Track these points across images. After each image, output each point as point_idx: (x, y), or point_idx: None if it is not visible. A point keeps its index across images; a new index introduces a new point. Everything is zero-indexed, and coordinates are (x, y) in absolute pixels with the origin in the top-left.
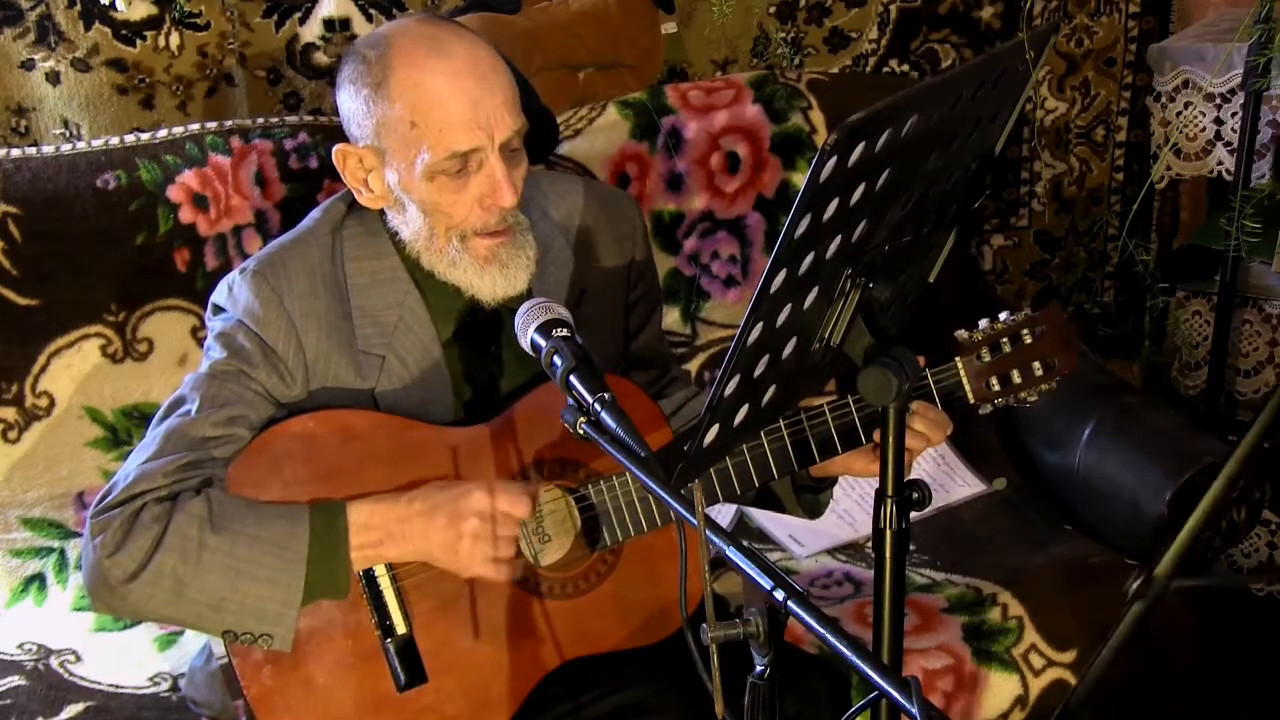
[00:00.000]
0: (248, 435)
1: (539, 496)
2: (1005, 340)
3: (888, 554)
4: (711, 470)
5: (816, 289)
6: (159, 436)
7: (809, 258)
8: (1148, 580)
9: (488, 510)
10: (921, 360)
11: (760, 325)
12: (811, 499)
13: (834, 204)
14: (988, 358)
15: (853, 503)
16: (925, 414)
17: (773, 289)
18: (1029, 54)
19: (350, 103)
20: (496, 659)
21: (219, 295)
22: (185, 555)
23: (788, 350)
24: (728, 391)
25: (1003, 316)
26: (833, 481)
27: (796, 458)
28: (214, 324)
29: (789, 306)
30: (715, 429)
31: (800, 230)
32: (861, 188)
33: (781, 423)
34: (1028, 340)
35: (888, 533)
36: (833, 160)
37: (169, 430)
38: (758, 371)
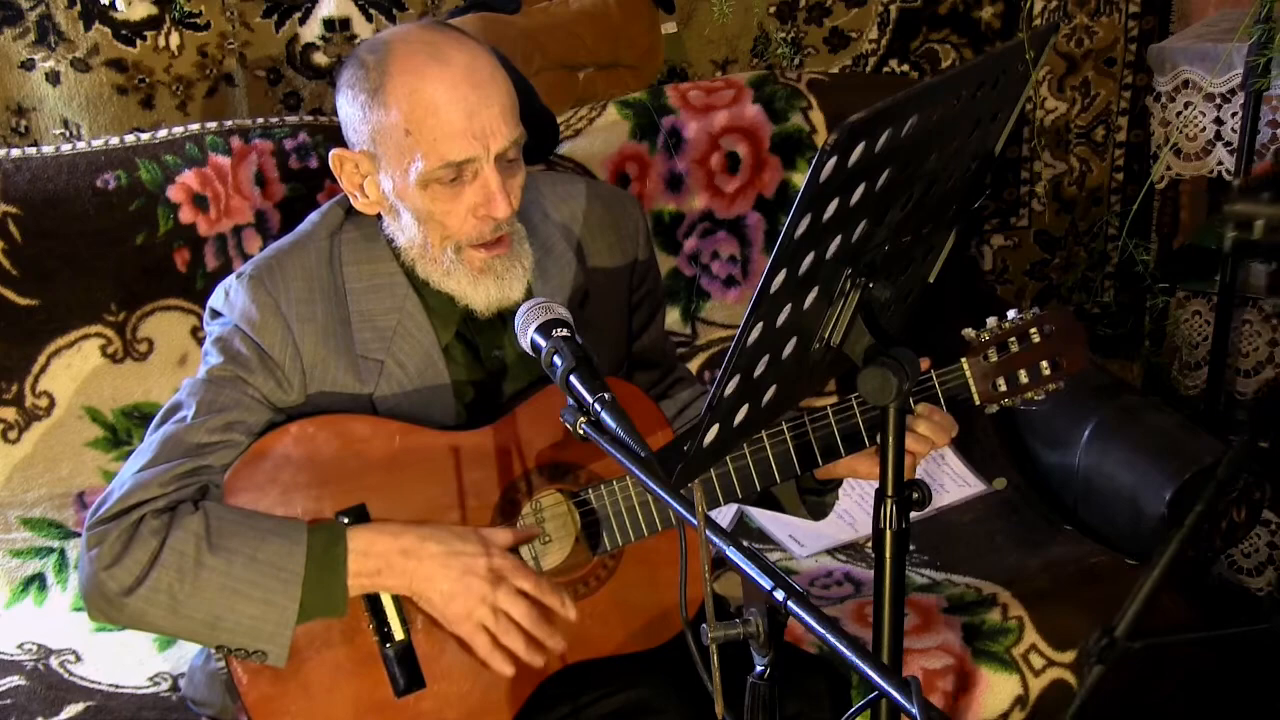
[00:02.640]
0: (245, 441)
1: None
2: (1013, 340)
3: (888, 554)
4: (714, 473)
5: (816, 289)
6: (155, 443)
7: (809, 258)
8: (1110, 643)
9: (510, 581)
10: (926, 363)
11: (760, 325)
12: (815, 501)
13: (834, 204)
14: (995, 358)
15: (852, 503)
16: (930, 417)
17: (773, 289)
18: (1029, 54)
19: (348, 107)
20: None
21: (216, 300)
22: (182, 573)
23: (788, 350)
24: (728, 391)
25: (1011, 315)
26: (837, 484)
27: (799, 461)
28: (211, 329)
29: (789, 306)
30: (715, 429)
31: (800, 230)
32: (861, 188)
33: (784, 425)
34: (1036, 339)
35: (888, 533)
36: (833, 160)
37: (165, 437)
38: (758, 371)
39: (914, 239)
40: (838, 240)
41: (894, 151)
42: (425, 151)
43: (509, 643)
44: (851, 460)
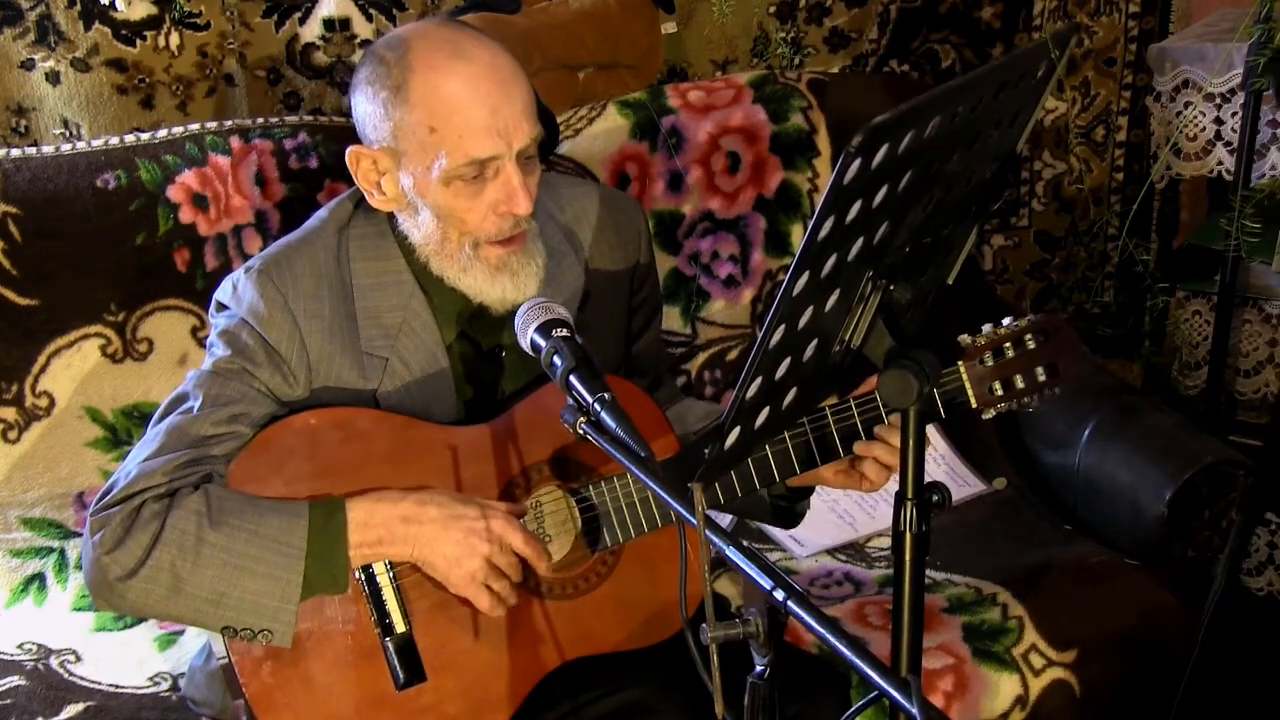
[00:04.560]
0: (249, 433)
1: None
2: (1009, 345)
3: (907, 557)
4: None
5: (838, 291)
6: (160, 433)
7: (831, 260)
8: None
9: (507, 542)
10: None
11: (783, 328)
12: (785, 508)
13: (857, 206)
14: (990, 362)
15: (852, 503)
16: (888, 439)
17: (795, 291)
18: (1054, 53)
19: (367, 105)
20: (496, 658)
21: (223, 293)
22: (183, 551)
23: (809, 353)
24: (749, 394)
25: (1006, 321)
26: (808, 492)
27: (778, 470)
28: (217, 321)
29: (811, 309)
30: (737, 431)
31: (824, 232)
32: (884, 189)
33: None
34: (1031, 345)
35: (907, 535)
36: (856, 162)
37: (170, 427)
38: (779, 374)
39: (934, 240)
40: (860, 242)
41: (916, 153)
42: (450, 149)
43: (511, 601)
44: (820, 469)
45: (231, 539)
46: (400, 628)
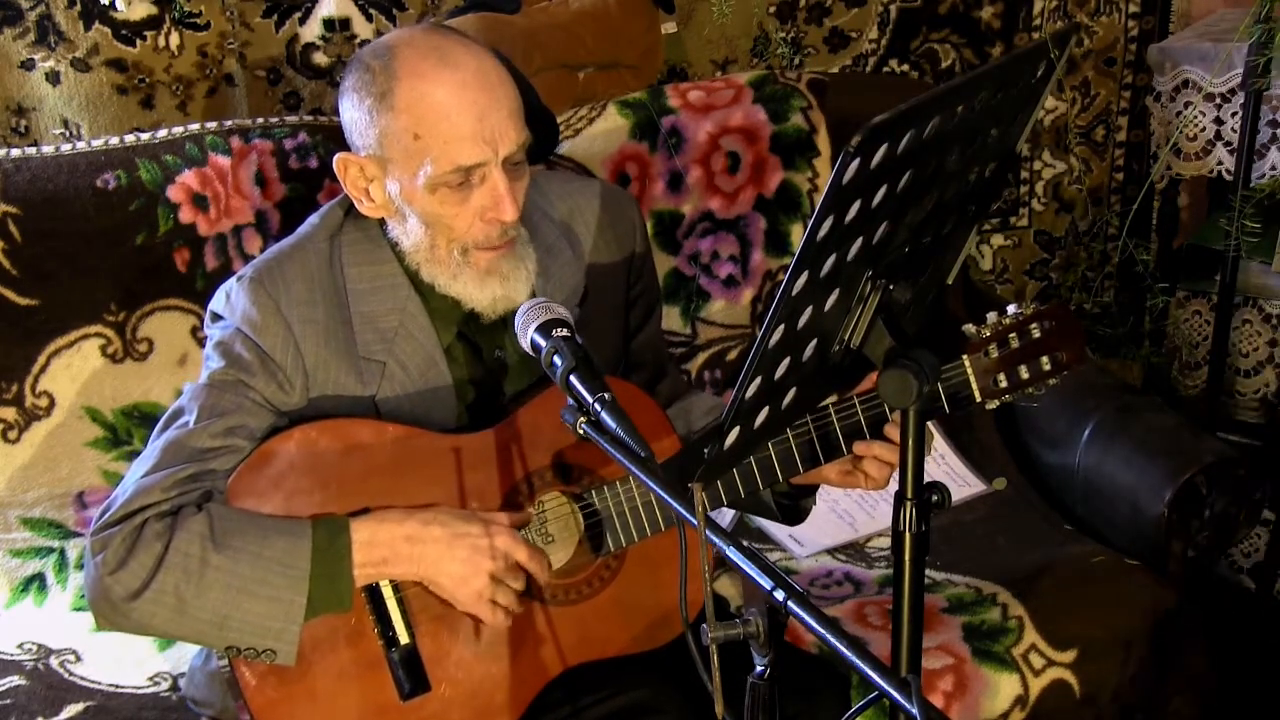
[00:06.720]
0: (247, 445)
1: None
2: (1013, 335)
3: (907, 557)
4: None
5: (838, 291)
6: (158, 449)
7: (831, 259)
8: None
9: (511, 557)
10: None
11: (782, 327)
12: (789, 506)
13: (856, 206)
14: (995, 354)
15: (853, 503)
16: (892, 436)
17: (795, 291)
18: (1054, 52)
19: (353, 112)
20: (499, 666)
21: (217, 303)
22: (187, 573)
23: (808, 352)
24: (749, 394)
25: (1010, 310)
26: (812, 489)
27: (781, 468)
28: (212, 332)
29: (810, 309)
30: (736, 431)
31: (823, 232)
32: (883, 189)
33: None
34: (1036, 335)
35: (907, 535)
36: (855, 162)
37: (167, 442)
38: (778, 374)
39: (934, 239)
40: (859, 242)
41: (915, 152)
42: (435, 156)
43: (517, 610)
44: (823, 468)
45: (235, 561)
46: (404, 639)
